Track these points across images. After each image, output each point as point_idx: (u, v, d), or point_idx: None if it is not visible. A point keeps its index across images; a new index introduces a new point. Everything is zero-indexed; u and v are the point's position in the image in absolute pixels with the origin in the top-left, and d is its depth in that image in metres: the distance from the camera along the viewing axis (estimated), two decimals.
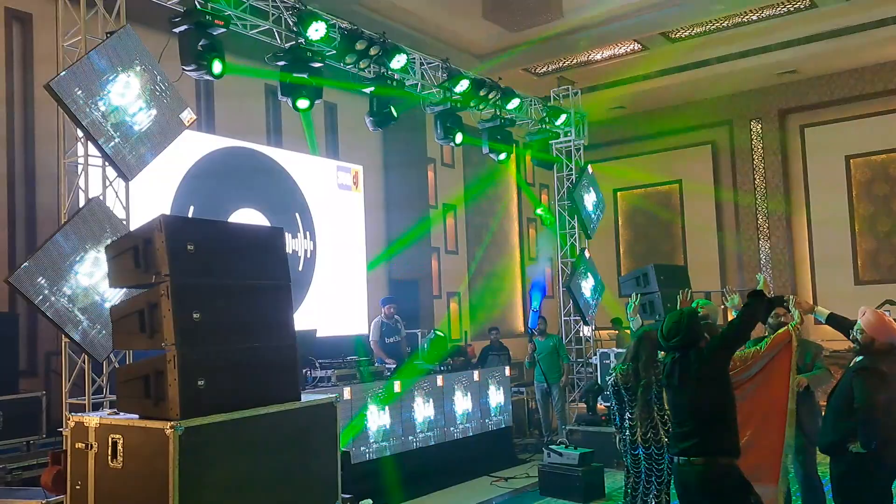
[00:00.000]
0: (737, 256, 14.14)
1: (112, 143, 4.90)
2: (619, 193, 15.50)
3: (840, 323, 4.29)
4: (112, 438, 3.56)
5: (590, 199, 10.67)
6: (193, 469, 3.43)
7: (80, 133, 5.06)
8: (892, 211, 12.77)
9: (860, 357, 4.07)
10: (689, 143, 14.53)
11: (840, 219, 13.13)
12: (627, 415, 5.16)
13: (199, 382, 3.53)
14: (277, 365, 4.09)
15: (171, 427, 3.35)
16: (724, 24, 11.25)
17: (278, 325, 4.16)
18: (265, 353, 4.01)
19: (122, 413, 3.71)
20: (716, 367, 3.75)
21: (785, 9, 10.71)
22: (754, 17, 10.99)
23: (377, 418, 7.17)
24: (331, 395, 4.55)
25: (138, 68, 5.02)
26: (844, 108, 13.16)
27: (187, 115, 5.03)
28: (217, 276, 3.81)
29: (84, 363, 5.19)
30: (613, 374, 5.33)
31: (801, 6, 10.64)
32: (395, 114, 7.65)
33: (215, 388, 3.64)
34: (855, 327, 4.08)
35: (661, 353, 4.52)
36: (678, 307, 4.58)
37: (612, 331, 11.99)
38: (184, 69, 5.55)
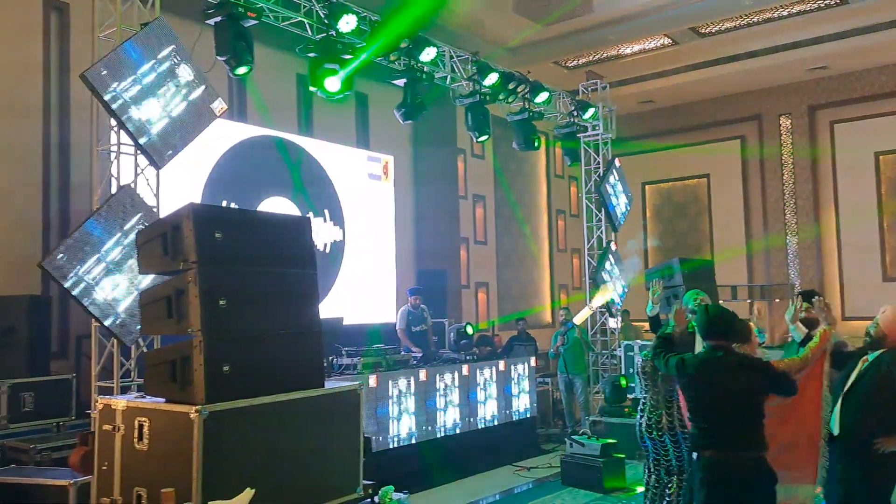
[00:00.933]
0: (764, 251, 13.98)
1: (144, 132, 5.02)
2: (647, 187, 15.41)
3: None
4: (138, 421, 3.68)
5: (617, 192, 10.61)
6: (217, 452, 3.53)
7: (112, 122, 5.18)
8: None
9: (876, 352, 4.06)
10: (717, 137, 14.42)
11: (868, 215, 12.94)
12: (641, 401, 5.23)
13: (224, 368, 3.63)
14: (302, 352, 4.18)
15: (195, 411, 3.45)
16: (754, 20, 11.13)
17: (303, 313, 4.24)
18: (290, 340, 4.10)
19: (148, 397, 3.82)
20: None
21: (815, 4, 10.57)
22: (784, 13, 10.84)
23: (402, 406, 7.25)
24: (355, 383, 4.63)
25: (171, 59, 5.12)
26: (874, 105, 12.97)
27: (219, 105, 5.13)
28: (244, 264, 3.90)
29: (113, 347, 5.33)
30: (641, 360, 5.39)
31: (832, 2, 10.50)
32: (425, 106, 7.70)
33: (240, 374, 3.74)
34: (872, 322, 4.10)
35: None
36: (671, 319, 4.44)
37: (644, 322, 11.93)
38: (218, 59, 5.64)
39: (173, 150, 5.04)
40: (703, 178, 14.82)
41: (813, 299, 4.37)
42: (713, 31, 11.53)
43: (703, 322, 3.83)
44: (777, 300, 13.08)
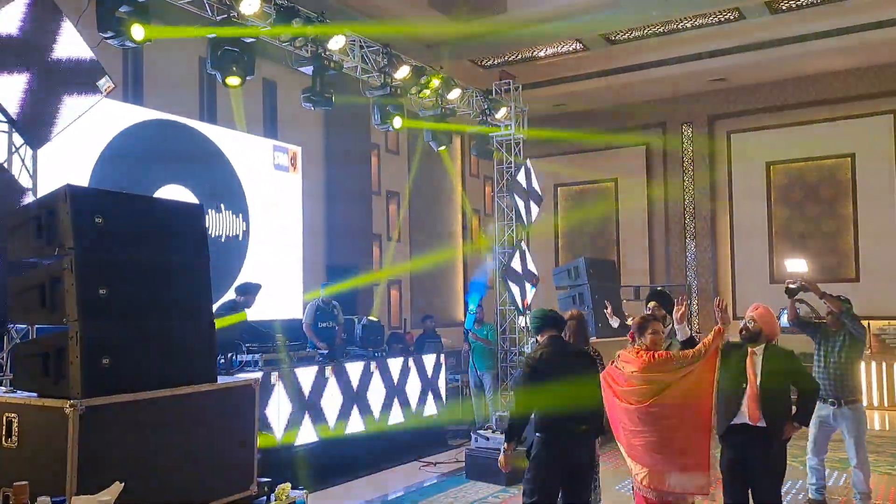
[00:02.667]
0: (665, 254, 14.56)
1: (19, 108, 4.65)
2: (558, 189, 15.74)
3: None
4: (7, 417, 3.41)
5: (528, 193, 10.75)
6: (95, 450, 3.31)
7: None
8: (807, 216, 13.39)
9: (759, 345, 4.42)
10: (625, 143, 14.93)
11: (759, 221, 13.74)
12: None
13: (104, 361, 3.41)
14: (192, 345, 3.98)
15: (70, 406, 3.23)
16: (661, 30, 11.58)
17: (194, 305, 4.05)
18: (179, 333, 3.90)
19: (19, 391, 3.55)
20: None
21: (716, 18, 11.08)
22: (688, 25, 11.32)
23: (306, 403, 7.08)
24: (250, 378, 4.47)
25: (53, 31, 4.78)
26: (767, 117, 13.75)
27: (105, 83, 4.83)
28: (128, 252, 3.68)
29: None
30: None
31: (731, 17, 11.03)
32: (333, 96, 7.54)
33: (122, 367, 3.52)
34: (748, 319, 4.47)
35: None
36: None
37: None
38: (101, 36, 5.32)
39: (53, 129, 4.71)
40: (610, 183, 15.28)
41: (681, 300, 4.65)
42: (622, 38, 11.89)
43: (534, 320, 4.53)
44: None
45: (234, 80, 6.18)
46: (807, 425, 4.58)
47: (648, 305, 5.36)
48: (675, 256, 14.50)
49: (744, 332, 4.46)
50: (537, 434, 4.34)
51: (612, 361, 4.55)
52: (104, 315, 3.48)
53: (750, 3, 10.44)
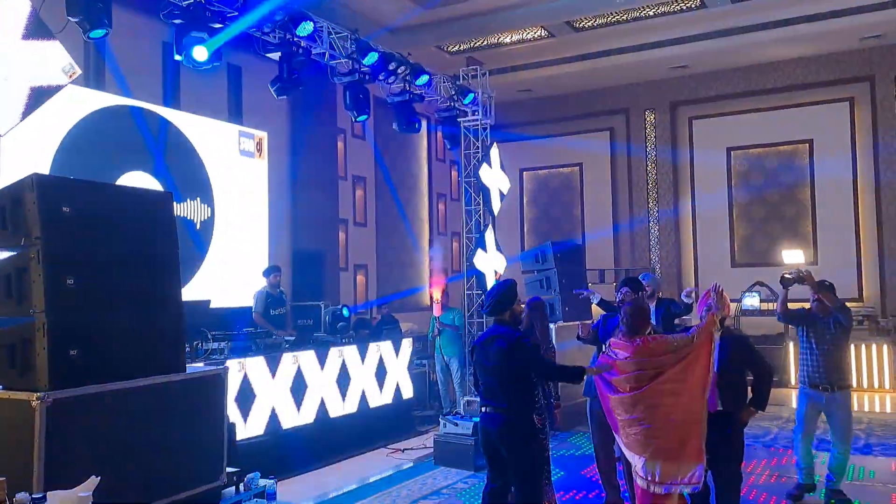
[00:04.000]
0: (629, 238, 14.78)
1: None
2: (524, 173, 15.84)
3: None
4: None
5: (495, 177, 10.81)
6: (62, 442, 3.30)
7: None
8: (766, 200, 13.66)
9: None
10: (589, 128, 15.04)
11: (720, 206, 13.97)
12: None
13: (71, 352, 3.39)
14: (160, 335, 3.98)
15: (37, 398, 3.21)
16: (624, 18, 11.68)
17: (163, 294, 4.04)
18: (147, 323, 3.89)
19: None
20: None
21: (678, 7, 11.22)
22: (651, 13, 11.44)
23: (273, 391, 7.07)
24: (219, 367, 4.47)
25: (13, 18, 4.66)
26: (728, 104, 13.95)
27: (69, 69, 4.73)
28: (96, 241, 3.66)
29: None
30: None
31: (693, 5, 11.18)
32: (301, 82, 7.47)
33: (90, 358, 3.51)
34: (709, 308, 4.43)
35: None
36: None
37: None
38: (70, 19, 5.20)
39: (14, 117, 4.60)
40: (576, 167, 15.42)
41: (692, 288, 4.75)
42: (587, 26, 11.97)
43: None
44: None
45: (200, 52, 6.05)
46: (763, 410, 4.69)
47: (621, 291, 5.43)
48: (639, 240, 14.73)
49: None
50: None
51: (603, 351, 4.52)
52: (72, 305, 3.46)
53: None
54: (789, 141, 13.47)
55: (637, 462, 4.21)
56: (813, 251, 13.18)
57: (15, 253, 3.42)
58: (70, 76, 4.70)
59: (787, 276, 5.72)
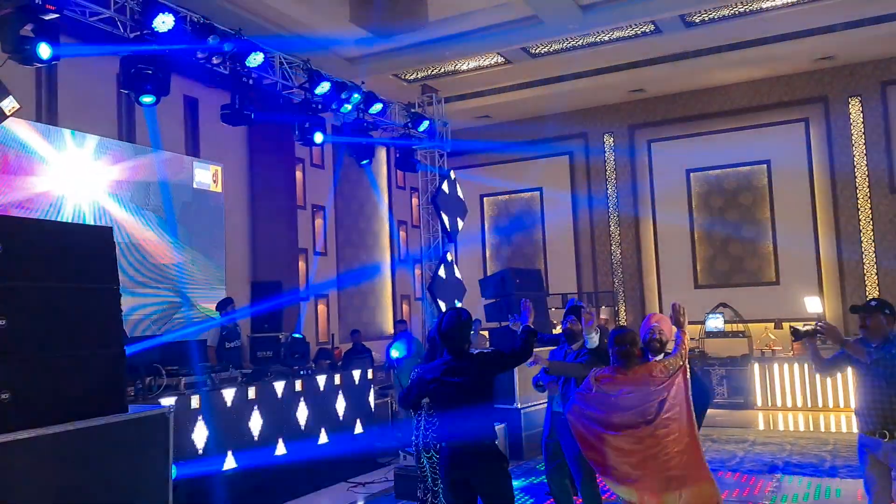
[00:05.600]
0: (591, 261, 14.87)
1: None
2: (485, 199, 15.91)
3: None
4: None
5: (452, 203, 10.86)
6: None
7: None
8: (726, 221, 13.86)
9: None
10: (548, 153, 15.17)
11: (681, 227, 14.15)
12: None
13: (3, 395, 3.26)
14: (101, 374, 3.85)
15: None
16: (580, 44, 11.86)
17: (103, 331, 3.91)
18: (87, 362, 3.76)
19: None
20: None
21: (632, 32, 11.44)
22: (606, 38, 11.65)
23: (229, 426, 6.90)
24: (163, 407, 4.33)
25: None
26: (685, 126, 14.19)
27: (9, 104, 4.64)
28: (31, 279, 3.54)
29: None
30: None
31: (647, 30, 11.41)
32: (252, 112, 7.43)
33: (24, 401, 3.37)
34: (652, 330, 4.38)
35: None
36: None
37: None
38: (8, 56, 5.11)
39: None
40: (536, 192, 15.54)
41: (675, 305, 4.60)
42: (543, 52, 12.15)
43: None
44: (603, 307, 13.93)
45: (147, 99, 6.00)
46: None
47: (568, 320, 5.37)
48: (601, 263, 14.82)
49: (657, 345, 4.35)
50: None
51: (584, 389, 4.22)
52: (4, 347, 3.33)
53: (665, 16, 10.80)
54: (747, 162, 13.70)
55: (647, 499, 4.00)
56: (774, 270, 13.38)
57: None
58: (10, 111, 4.61)
59: (799, 328, 4.74)
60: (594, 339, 4.71)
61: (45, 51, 5.22)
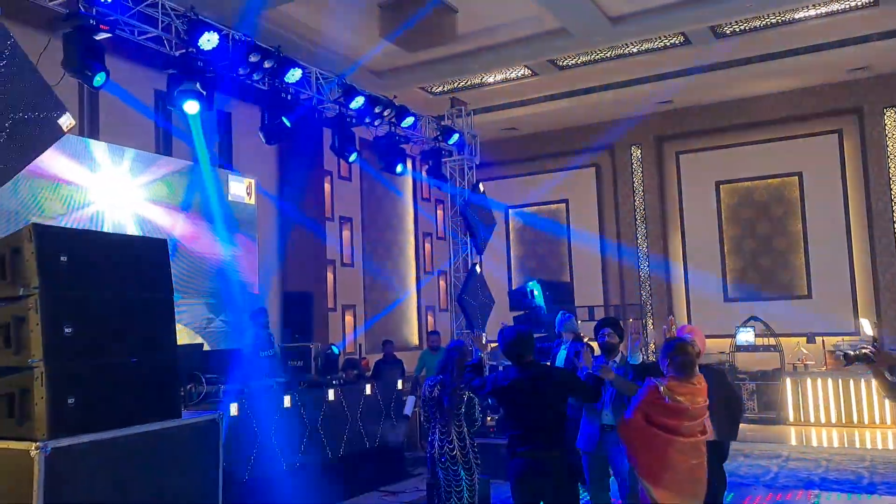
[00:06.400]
0: (618, 274, 14.83)
1: None
2: (510, 211, 15.97)
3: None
4: None
5: (480, 216, 10.95)
6: (61, 492, 3.28)
7: None
8: (757, 233, 13.76)
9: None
10: (575, 164, 15.14)
11: (711, 240, 14.05)
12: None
13: (69, 400, 3.39)
14: (156, 381, 3.98)
15: (36, 448, 3.20)
16: (607, 55, 11.85)
17: (158, 340, 4.05)
18: (143, 369, 3.89)
19: None
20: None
21: (661, 43, 11.44)
22: (634, 50, 11.66)
23: (265, 434, 7.03)
24: (213, 413, 4.46)
25: (12, 69, 4.75)
26: (714, 138, 14.09)
27: (66, 121, 4.82)
28: (92, 289, 3.68)
29: None
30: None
31: (676, 41, 11.39)
32: (289, 127, 7.60)
33: (87, 406, 3.51)
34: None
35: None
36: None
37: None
38: (67, 73, 5.32)
39: (12, 168, 4.67)
40: (561, 204, 15.57)
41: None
42: (570, 64, 12.19)
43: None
44: (630, 320, 13.88)
45: (191, 105, 6.18)
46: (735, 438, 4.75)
47: (603, 332, 5.28)
48: (628, 276, 14.76)
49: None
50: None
51: (651, 399, 4.13)
52: (69, 354, 3.47)
53: (695, 27, 10.76)
54: (778, 174, 13.59)
55: None
56: (806, 284, 13.19)
57: (13, 303, 3.44)
58: (67, 128, 4.78)
59: (850, 353, 4.60)
60: (639, 356, 4.72)
61: (98, 78, 5.42)
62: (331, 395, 7.98)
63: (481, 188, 11.04)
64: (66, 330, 3.45)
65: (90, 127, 8.50)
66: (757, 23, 10.85)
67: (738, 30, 11.10)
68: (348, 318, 12.98)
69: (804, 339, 11.83)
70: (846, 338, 11.57)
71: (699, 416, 4.08)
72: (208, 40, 6.34)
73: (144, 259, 4.09)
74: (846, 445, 9.76)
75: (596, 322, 5.51)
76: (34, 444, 3.22)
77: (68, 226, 7.33)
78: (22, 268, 3.40)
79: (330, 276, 12.48)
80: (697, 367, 4.19)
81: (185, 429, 4.06)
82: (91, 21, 5.37)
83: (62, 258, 3.50)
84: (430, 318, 15.06)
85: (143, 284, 4.00)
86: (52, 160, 7.18)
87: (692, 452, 4.08)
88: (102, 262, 3.78)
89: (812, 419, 10.94)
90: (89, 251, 3.75)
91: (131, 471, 3.68)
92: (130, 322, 3.86)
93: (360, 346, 12.92)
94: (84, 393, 3.49)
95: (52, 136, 4.72)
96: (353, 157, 8.67)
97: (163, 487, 3.87)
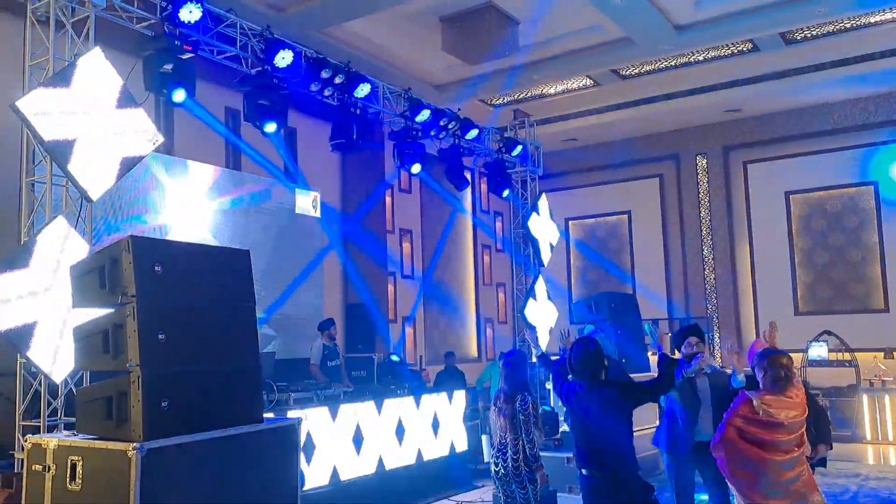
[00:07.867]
0: (683, 286, 14.53)
1: (76, 164, 4.88)
2: (570, 222, 15.86)
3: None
4: (71, 460, 3.52)
5: (543, 228, 10.91)
6: (155, 491, 3.42)
7: (43, 152, 5.03)
8: (829, 245, 13.32)
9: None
10: (638, 175, 14.97)
11: (780, 251, 13.64)
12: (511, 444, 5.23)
13: (163, 403, 3.54)
14: (241, 386, 4.11)
15: (133, 448, 3.34)
16: (672, 64, 11.70)
17: (242, 346, 4.18)
18: (229, 374, 4.03)
19: (80, 435, 3.68)
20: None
21: (730, 51, 11.23)
22: (700, 58, 11.48)
23: (333, 441, 7.14)
24: (293, 418, 4.57)
25: (105, 90, 5.02)
26: (784, 147, 13.71)
27: (153, 138, 5.05)
28: (183, 297, 3.84)
29: (40, 385, 5.10)
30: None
31: (745, 49, 11.17)
32: (358, 140, 7.77)
33: (179, 409, 3.65)
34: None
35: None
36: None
37: None
38: (150, 91, 5.58)
39: (105, 182, 4.92)
40: (624, 215, 15.37)
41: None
42: (633, 73, 12.08)
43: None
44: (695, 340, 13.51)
45: (270, 126, 6.41)
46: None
47: (688, 341, 5.20)
48: (693, 288, 14.45)
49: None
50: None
51: (744, 413, 4.08)
52: (163, 359, 3.62)
53: (764, 34, 10.55)
54: (851, 183, 13.14)
55: None
56: (883, 296, 12.69)
57: (112, 310, 3.62)
58: (155, 144, 5.01)
59: None
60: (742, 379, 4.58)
61: (179, 95, 5.67)
62: (395, 404, 8.04)
63: (544, 199, 11.02)
64: (160, 336, 3.61)
65: (166, 144, 8.84)
66: (830, 28, 10.58)
67: (809, 35, 10.82)
68: (408, 330, 13.09)
69: (881, 353, 11.39)
70: None
71: (797, 431, 3.99)
72: (283, 58, 6.56)
73: (228, 269, 4.25)
74: None
75: (673, 332, 5.41)
76: (131, 444, 3.37)
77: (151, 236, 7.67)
78: (120, 277, 3.57)
79: (390, 287, 12.62)
80: (794, 380, 4.09)
81: (266, 433, 4.17)
82: (176, 42, 5.62)
83: (157, 268, 3.66)
84: (488, 331, 15.06)
85: (229, 293, 4.15)
86: (140, 173, 7.54)
87: (789, 466, 3.99)
88: (192, 272, 3.94)
89: (891, 437, 10.53)
90: (180, 261, 3.92)
91: (218, 472, 3.81)
92: (217, 329, 4.00)
93: (420, 357, 13.01)
94: (176, 397, 3.64)
95: (142, 152, 4.95)
96: (417, 169, 8.77)
97: (246, 489, 3.98)
